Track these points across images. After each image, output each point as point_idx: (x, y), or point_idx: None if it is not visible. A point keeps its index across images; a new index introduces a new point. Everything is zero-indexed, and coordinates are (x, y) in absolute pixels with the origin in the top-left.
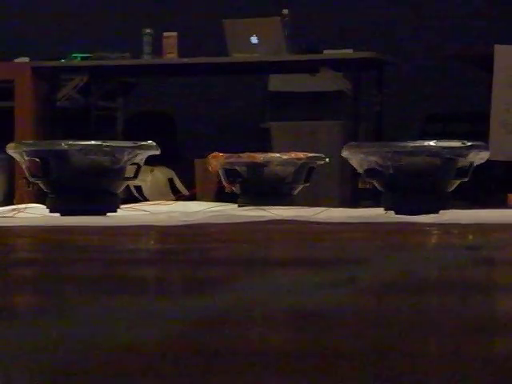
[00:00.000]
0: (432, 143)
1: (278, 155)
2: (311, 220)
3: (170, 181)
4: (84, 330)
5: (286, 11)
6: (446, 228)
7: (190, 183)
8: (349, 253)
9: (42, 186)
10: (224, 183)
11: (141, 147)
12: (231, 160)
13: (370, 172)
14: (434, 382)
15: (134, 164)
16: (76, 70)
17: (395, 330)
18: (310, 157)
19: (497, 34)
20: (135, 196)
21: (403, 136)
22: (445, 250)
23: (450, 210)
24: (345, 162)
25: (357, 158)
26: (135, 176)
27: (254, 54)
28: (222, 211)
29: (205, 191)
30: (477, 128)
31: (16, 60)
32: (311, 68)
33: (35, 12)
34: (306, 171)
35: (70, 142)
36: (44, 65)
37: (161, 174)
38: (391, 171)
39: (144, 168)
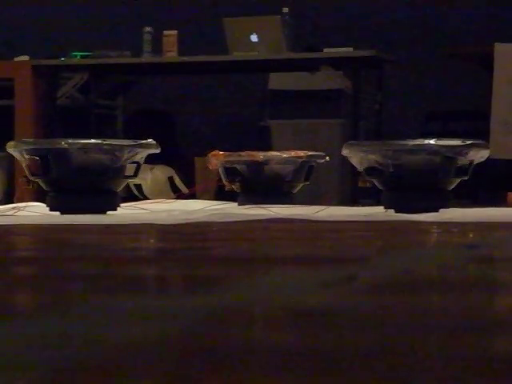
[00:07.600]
0: (432, 142)
1: (278, 153)
2: (311, 218)
3: (170, 179)
4: (84, 328)
5: (286, 9)
6: (445, 226)
7: (189, 181)
8: (349, 251)
9: (41, 184)
10: (224, 181)
11: (141, 145)
12: (231, 158)
13: (370, 170)
14: (433, 382)
15: (134, 162)
16: (76, 68)
17: (395, 328)
18: (310, 155)
19: (497, 32)
20: (135, 194)
21: (403, 134)
22: (445, 248)
23: (450, 209)
24: (345, 160)
25: (357, 156)
26: (135, 174)
27: (253, 53)
28: (222, 210)
29: (205, 189)
30: (477, 126)
31: (16, 58)
32: (311, 66)
33: (35, 10)
34: (306, 170)
35: (69, 141)
36: (44, 63)
37: (161, 173)
38: (391, 170)
39: (144, 166)
